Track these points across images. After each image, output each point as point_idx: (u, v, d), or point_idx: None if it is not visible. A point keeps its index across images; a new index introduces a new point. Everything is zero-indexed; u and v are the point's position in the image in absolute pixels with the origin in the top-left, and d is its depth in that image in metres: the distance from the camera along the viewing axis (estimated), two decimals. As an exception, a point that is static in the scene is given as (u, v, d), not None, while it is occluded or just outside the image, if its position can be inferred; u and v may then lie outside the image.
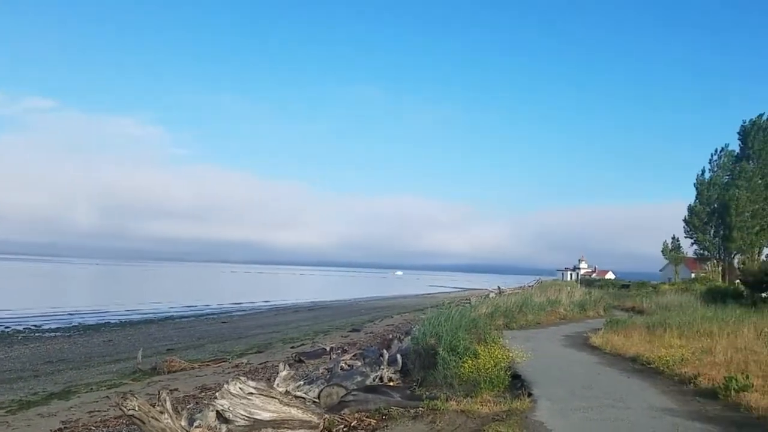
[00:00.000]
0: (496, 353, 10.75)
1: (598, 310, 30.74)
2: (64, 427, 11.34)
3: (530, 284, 58.19)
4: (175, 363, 18.47)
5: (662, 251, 65.69)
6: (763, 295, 28.00)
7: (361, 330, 30.28)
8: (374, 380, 11.38)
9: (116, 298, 54.29)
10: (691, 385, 10.62)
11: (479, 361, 10.34)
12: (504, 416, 8.42)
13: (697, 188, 60.39)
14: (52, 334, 29.85)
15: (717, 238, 58.68)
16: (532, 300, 28.19)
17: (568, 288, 42.26)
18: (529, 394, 9.85)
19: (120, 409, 6.69)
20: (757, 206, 54.25)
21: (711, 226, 58.95)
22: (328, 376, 11.59)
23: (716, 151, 60.67)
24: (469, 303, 26.03)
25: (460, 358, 10.60)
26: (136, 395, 6.70)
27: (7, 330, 30.43)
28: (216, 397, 7.61)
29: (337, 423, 8.53)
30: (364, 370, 11.79)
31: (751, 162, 56.91)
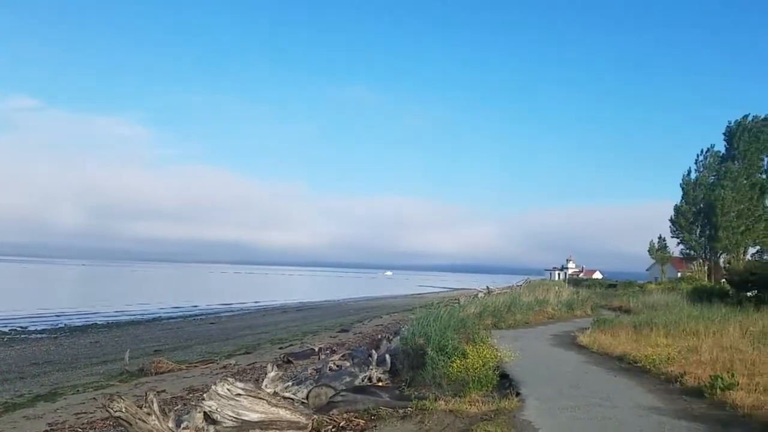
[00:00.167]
0: (484, 353, 10.79)
1: (586, 309, 30.90)
2: (51, 429, 11.23)
3: (518, 284, 58.46)
4: (162, 364, 18.34)
5: (649, 251, 66.15)
6: (749, 294, 28.28)
7: (350, 330, 30.23)
8: (363, 380, 11.38)
9: (103, 300, 53.85)
10: (678, 383, 10.70)
11: (468, 360, 10.37)
12: (492, 416, 8.44)
13: (683, 188, 60.93)
14: (38, 335, 29.56)
15: (703, 238, 59.20)
16: (521, 300, 28.31)
17: (556, 288, 42.48)
18: (517, 394, 9.88)
19: (107, 410, 6.64)
20: (742, 206, 54.74)
21: (697, 226, 59.46)
22: (316, 377, 11.56)
23: (702, 151, 61.25)
24: (458, 303, 26.08)
25: (449, 358, 10.63)
26: (123, 397, 6.65)
27: (-8, 332, 30.09)
28: (204, 399, 7.57)
29: (325, 423, 8.52)
30: (352, 370, 11.78)
31: (736, 162, 57.46)
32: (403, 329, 15.23)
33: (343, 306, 55.88)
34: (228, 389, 7.49)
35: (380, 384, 11.47)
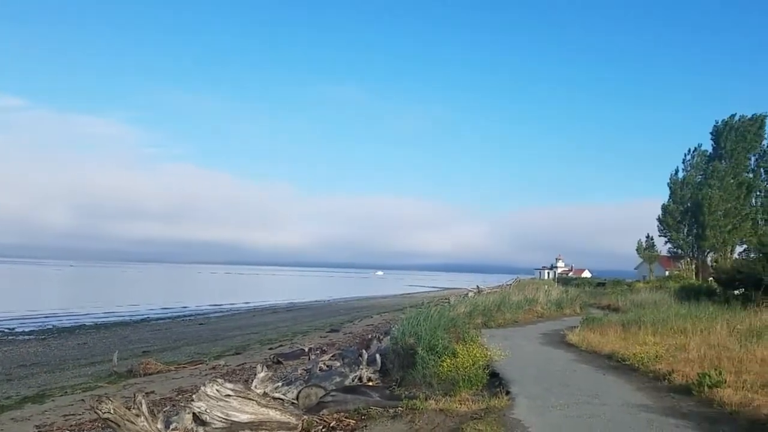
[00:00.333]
0: (474, 352, 10.81)
1: (575, 308, 31.05)
2: (39, 431, 11.16)
3: (508, 283, 58.56)
4: (151, 365, 18.24)
5: (637, 250, 66.61)
6: (736, 292, 28.48)
7: (340, 330, 30.21)
8: (353, 380, 11.37)
9: (91, 301, 53.50)
10: (666, 381, 10.78)
11: (458, 360, 10.38)
12: (482, 414, 8.46)
13: (670, 188, 61.41)
14: (26, 337, 29.34)
15: (690, 237, 59.71)
16: (510, 299, 28.42)
17: (546, 287, 42.67)
18: (507, 392, 9.91)
19: (95, 412, 6.60)
20: (729, 205, 55.24)
21: (684, 225, 59.95)
22: (306, 377, 11.54)
23: (689, 150, 61.79)
24: (449, 302, 26.13)
25: (439, 357, 10.64)
26: (111, 398, 6.61)
27: (-22, 334, 29.81)
28: (193, 400, 7.54)
29: (315, 424, 8.50)
30: (343, 370, 11.77)
31: (723, 162, 57.98)
32: (394, 329, 15.22)
33: (333, 306, 55.83)
34: (217, 390, 7.46)
35: (371, 384, 11.46)
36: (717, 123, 60.14)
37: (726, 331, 16.19)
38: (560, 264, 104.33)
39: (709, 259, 58.49)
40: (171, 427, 7.35)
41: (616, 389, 10.37)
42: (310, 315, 43.95)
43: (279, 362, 18.15)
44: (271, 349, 23.13)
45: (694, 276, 56.42)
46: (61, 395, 15.00)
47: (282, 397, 9.55)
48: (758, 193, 57.47)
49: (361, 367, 11.91)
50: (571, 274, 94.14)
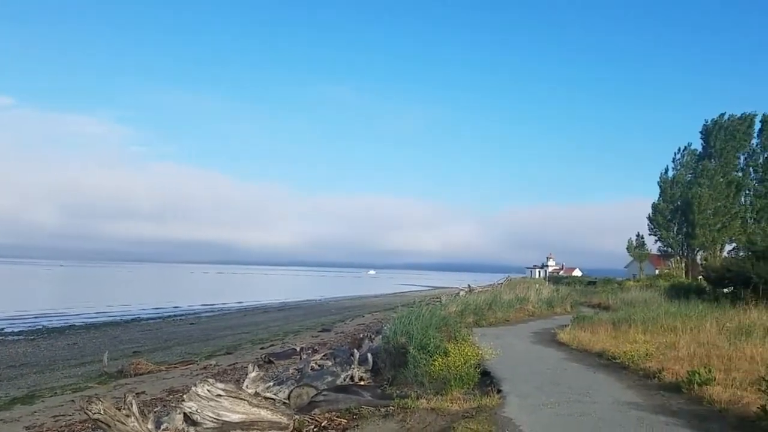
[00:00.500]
0: (465, 351, 10.82)
1: (566, 306, 31.16)
2: (28, 433, 11.08)
3: (500, 282, 58.64)
4: (141, 365, 18.17)
5: (627, 248, 66.94)
6: (725, 290, 28.63)
7: (332, 330, 30.19)
8: (345, 380, 11.37)
9: (82, 301, 53.17)
10: (656, 379, 10.83)
11: (449, 359, 10.39)
12: (474, 413, 8.48)
13: (660, 186, 61.76)
14: (16, 337, 29.14)
15: (680, 235, 60.07)
16: (502, 297, 28.46)
17: (537, 285, 42.81)
18: (499, 391, 9.94)
19: (85, 413, 6.56)
20: (719, 204, 55.62)
21: (674, 224, 60.31)
22: (298, 377, 11.53)
23: (679, 149, 62.17)
24: (440, 301, 26.16)
25: (431, 356, 10.65)
26: (101, 399, 6.58)
27: (-33, 334, 29.57)
28: (183, 400, 7.52)
29: (307, 423, 8.50)
30: (334, 369, 11.76)
31: (713, 161, 58.36)
32: (385, 328, 15.23)
33: (324, 305, 55.78)
34: (208, 390, 7.44)
35: (362, 383, 11.47)
36: (707, 122, 60.54)
37: (715, 329, 16.27)
38: (551, 263, 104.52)
39: (698, 257, 58.88)
40: (162, 427, 7.32)
41: (606, 387, 10.42)
42: (301, 314, 43.90)
43: (270, 362, 18.12)
44: (262, 348, 23.09)
45: (683, 274, 56.77)
46: (51, 396, 14.91)
47: (273, 396, 9.54)
48: (747, 192, 57.88)
49: (352, 366, 11.92)
50: (561, 272, 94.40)
